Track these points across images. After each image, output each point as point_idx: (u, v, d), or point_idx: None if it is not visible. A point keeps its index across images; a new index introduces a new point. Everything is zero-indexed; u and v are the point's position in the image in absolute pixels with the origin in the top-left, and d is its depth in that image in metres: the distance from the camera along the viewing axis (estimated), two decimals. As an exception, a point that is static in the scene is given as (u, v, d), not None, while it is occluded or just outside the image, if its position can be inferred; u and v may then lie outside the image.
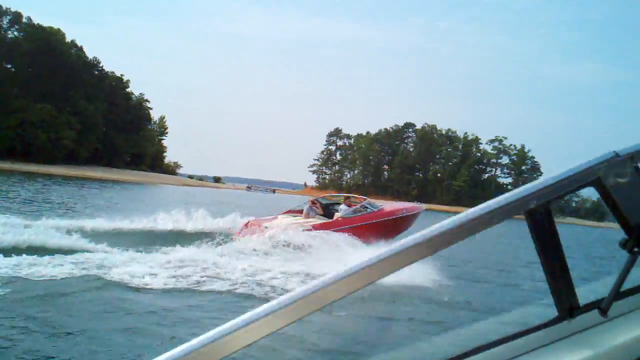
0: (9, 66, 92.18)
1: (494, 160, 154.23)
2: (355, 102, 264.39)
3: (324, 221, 18.88)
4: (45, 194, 35.63)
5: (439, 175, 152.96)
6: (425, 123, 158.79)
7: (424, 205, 24.47)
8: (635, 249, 1.14)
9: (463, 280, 15.24)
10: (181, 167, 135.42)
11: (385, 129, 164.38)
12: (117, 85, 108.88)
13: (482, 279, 16.47)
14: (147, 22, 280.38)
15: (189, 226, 18.33)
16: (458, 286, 13.83)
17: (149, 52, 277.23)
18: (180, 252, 14.48)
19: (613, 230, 1.38)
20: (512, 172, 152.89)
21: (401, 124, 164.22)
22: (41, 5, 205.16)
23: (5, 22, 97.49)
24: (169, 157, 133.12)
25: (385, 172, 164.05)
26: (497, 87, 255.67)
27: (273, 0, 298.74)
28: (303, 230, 17.35)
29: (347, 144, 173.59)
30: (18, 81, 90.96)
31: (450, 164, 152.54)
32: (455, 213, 0.95)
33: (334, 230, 17.70)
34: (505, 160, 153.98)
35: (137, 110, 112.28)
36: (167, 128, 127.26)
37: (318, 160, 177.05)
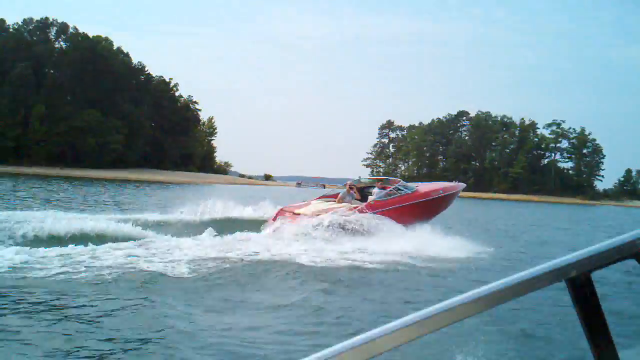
0: (57, 75, 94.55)
1: (553, 145, 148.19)
2: (406, 94, 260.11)
3: (357, 205, 18.28)
4: (97, 195, 36.50)
5: (495, 163, 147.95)
6: (479, 110, 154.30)
7: (462, 184, 23.57)
8: None
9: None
10: (232, 166, 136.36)
11: (438, 118, 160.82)
12: (163, 88, 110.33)
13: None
14: (201, 30, 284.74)
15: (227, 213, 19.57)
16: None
17: (202, 58, 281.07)
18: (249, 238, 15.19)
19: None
20: (573, 156, 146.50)
21: (454, 113, 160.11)
22: (95, 16, 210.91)
23: (52, 33, 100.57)
24: (220, 158, 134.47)
25: (440, 163, 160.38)
26: (555, 73, 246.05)
27: (325, 2, 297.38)
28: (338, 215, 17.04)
29: (400, 136, 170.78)
30: (66, 89, 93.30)
31: (506, 151, 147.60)
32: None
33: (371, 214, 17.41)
34: (564, 144, 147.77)
35: (184, 112, 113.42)
36: (215, 129, 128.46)
37: (371, 153, 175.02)
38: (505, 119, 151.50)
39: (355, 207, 17.98)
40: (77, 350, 6.11)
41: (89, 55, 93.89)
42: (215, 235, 15.43)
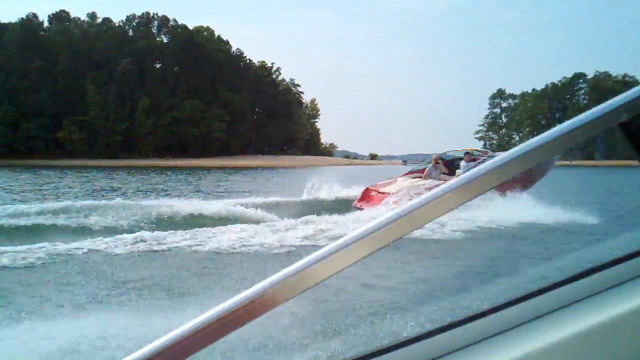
0: (158, 68, 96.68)
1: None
2: (517, 60, 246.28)
3: (443, 181, 16.60)
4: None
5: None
6: (597, 71, 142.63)
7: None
8: None
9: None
10: (337, 147, 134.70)
11: (552, 83, 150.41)
12: (263, 73, 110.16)
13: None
14: (308, 13, 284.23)
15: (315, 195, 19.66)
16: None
17: (309, 41, 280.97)
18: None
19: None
20: None
21: (569, 76, 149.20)
22: (209, 9, 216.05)
23: (154, 27, 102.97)
24: (327, 139, 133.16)
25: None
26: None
27: None
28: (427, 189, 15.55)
29: (513, 105, 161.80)
30: (168, 81, 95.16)
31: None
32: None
33: None
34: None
35: (286, 95, 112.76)
36: (319, 111, 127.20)
37: (483, 125, 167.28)
38: (627, 79, 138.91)
39: (442, 182, 16.57)
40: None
41: (189, 46, 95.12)
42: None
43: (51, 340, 5.36)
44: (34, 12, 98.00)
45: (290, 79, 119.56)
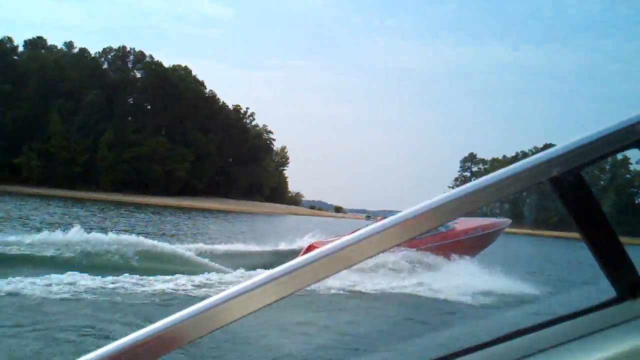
0: (127, 102, 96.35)
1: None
2: (491, 127, 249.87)
3: None
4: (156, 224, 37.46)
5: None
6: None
7: (508, 220, 23.35)
8: None
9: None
10: (304, 197, 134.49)
11: (522, 151, 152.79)
12: (234, 117, 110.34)
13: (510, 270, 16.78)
14: (293, 62, 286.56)
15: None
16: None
17: (291, 88, 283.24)
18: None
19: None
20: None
21: (541, 145, 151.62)
22: (193, 48, 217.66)
23: (130, 62, 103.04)
24: (298, 188, 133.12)
25: (526, 199, 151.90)
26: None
27: (428, 32, 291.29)
28: None
29: (483, 170, 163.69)
30: (136, 116, 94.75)
31: (596, 187, 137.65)
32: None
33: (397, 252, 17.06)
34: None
35: (255, 141, 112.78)
36: (288, 159, 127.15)
37: (452, 187, 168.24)
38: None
39: None
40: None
41: (161, 83, 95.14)
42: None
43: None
44: (10, 36, 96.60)
45: (263, 125, 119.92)
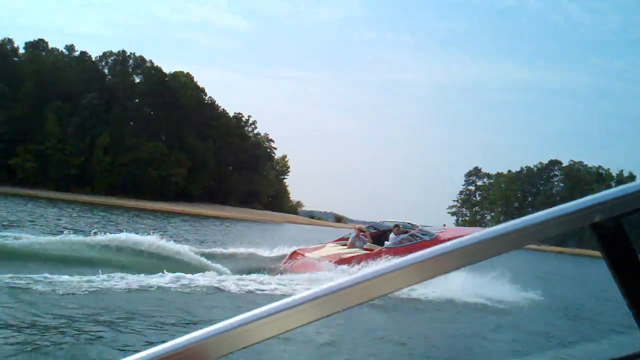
0: (125, 106, 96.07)
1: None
2: (497, 142, 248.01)
3: (367, 252, 18.20)
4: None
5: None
6: (571, 160, 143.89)
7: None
8: None
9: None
10: (303, 206, 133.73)
11: (527, 166, 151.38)
12: (234, 124, 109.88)
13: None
14: (313, 75, 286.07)
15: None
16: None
17: (303, 100, 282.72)
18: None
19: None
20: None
21: (546, 161, 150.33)
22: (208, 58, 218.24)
23: (131, 66, 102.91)
24: (301, 198, 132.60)
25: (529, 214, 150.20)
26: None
27: (441, 48, 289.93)
28: (336, 263, 16.84)
29: (487, 184, 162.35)
30: (133, 121, 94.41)
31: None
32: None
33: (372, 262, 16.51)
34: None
35: (254, 149, 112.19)
36: (288, 167, 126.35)
37: (457, 201, 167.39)
38: (601, 171, 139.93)
39: (368, 252, 17.99)
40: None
41: (159, 88, 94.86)
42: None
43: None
44: (10, 37, 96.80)
45: (265, 133, 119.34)
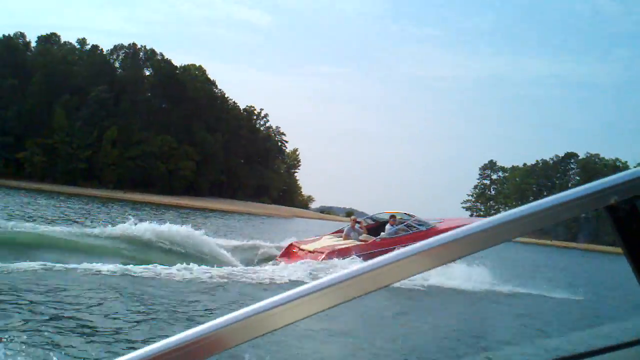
0: (134, 100, 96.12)
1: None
2: (515, 135, 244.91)
3: (363, 243, 18.14)
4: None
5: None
6: (588, 152, 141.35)
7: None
8: None
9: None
10: (314, 200, 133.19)
11: (543, 159, 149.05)
12: (244, 117, 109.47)
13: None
14: (335, 70, 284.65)
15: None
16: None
17: (322, 95, 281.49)
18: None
19: None
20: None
21: (562, 153, 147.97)
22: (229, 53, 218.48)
23: (141, 59, 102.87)
24: (313, 192, 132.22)
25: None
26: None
27: (465, 41, 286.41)
28: (329, 253, 16.87)
29: (502, 178, 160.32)
30: (142, 114, 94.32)
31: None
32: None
33: (367, 253, 16.56)
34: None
35: (264, 143, 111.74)
36: (299, 161, 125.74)
37: (472, 195, 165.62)
38: (618, 163, 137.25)
39: (362, 243, 17.94)
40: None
41: (169, 81, 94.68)
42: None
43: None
44: (22, 31, 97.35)
45: (276, 126, 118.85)
